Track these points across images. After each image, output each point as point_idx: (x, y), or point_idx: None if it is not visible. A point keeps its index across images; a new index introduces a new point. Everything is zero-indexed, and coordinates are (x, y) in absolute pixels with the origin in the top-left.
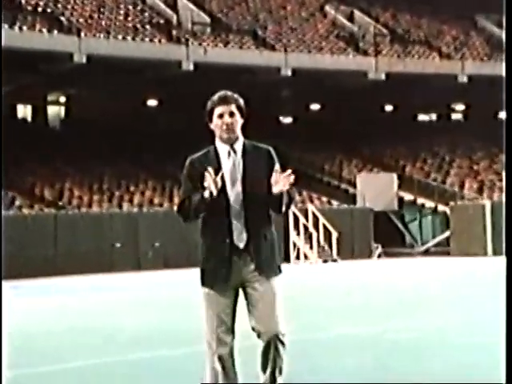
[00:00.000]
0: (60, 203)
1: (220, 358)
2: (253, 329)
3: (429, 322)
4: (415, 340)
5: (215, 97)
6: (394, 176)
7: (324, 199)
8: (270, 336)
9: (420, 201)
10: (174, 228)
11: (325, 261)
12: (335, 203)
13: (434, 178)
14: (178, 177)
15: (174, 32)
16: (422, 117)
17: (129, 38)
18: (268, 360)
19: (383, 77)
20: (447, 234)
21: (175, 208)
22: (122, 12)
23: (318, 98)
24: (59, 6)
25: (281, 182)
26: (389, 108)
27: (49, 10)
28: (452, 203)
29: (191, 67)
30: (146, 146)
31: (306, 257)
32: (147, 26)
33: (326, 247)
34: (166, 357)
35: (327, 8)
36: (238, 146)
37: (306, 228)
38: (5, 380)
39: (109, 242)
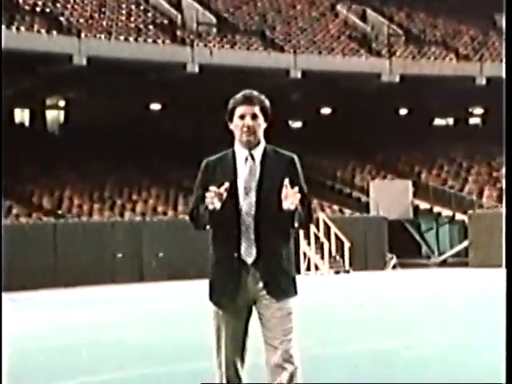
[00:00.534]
0: (59, 212)
1: (229, 380)
2: (265, 347)
3: (447, 337)
4: (433, 356)
5: (239, 95)
6: (409, 183)
7: (336, 207)
8: (281, 360)
9: (436, 209)
10: (179, 237)
11: (337, 272)
12: (347, 212)
13: (451, 186)
14: (183, 184)
15: (179, 33)
16: (438, 121)
17: (131, 38)
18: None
19: (397, 79)
20: (465, 244)
21: (187, 215)
22: (123, 12)
23: (329, 101)
24: (58, 5)
25: (289, 198)
26: (403, 112)
27: (47, 10)
28: (470, 212)
29: (196, 69)
30: (150, 152)
31: (316, 268)
32: (150, 27)
33: (338, 258)
34: (170, 373)
35: (339, 7)
36: (258, 152)
37: (316, 237)
38: None
39: (110, 252)
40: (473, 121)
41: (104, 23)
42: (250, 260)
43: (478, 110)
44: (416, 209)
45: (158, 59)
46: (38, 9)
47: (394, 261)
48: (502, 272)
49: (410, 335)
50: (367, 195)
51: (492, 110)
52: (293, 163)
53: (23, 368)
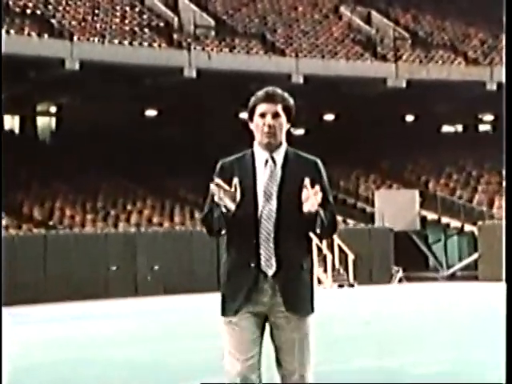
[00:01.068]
0: (50, 223)
1: None
2: (278, 369)
3: (456, 354)
4: (442, 374)
5: (261, 92)
6: (416, 193)
7: (339, 218)
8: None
9: (445, 220)
10: (175, 250)
11: (340, 286)
12: (351, 223)
13: (459, 195)
14: (180, 194)
15: (175, 36)
16: (446, 128)
17: (126, 42)
18: None
19: (404, 84)
20: (475, 256)
21: (199, 219)
22: (118, 14)
23: (333, 107)
24: (50, 7)
25: (310, 199)
26: (410, 118)
27: (38, 12)
28: (480, 223)
29: (194, 74)
30: (145, 161)
31: (319, 281)
32: (146, 30)
33: (342, 271)
34: None
35: (342, 9)
36: (279, 155)
37: (319, 249)
38: None
39: (104, 265)
40: (483, 128)
41: (97, 26)
42: (270, 271)
43: (488, 117)
44: (423, 220)
45: (154, 63)
46: (28, 11)
47: (400, 274)
48: None
49: (417, 352)
50: (372, 205)
51: (503, 116)
52: (317, 167)
53: None
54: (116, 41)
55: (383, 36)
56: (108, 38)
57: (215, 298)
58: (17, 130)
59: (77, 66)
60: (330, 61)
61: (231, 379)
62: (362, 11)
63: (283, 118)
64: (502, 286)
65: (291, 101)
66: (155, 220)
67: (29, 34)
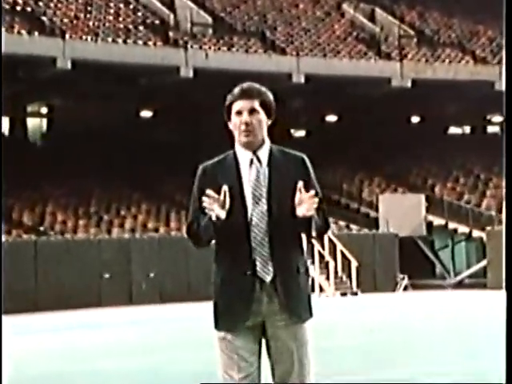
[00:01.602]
0: (41, 228)
1: None
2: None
3: (463, 365)
4: None
5: (236, 88)
6: (422, 197)
7: (342, 223)
8: None
9: (452, 225)
10: (171, 256)
11: (343, 294)
12: (355, 228)
13: (467, 200)
14: (176, 198)
15: (171, 34)
16: (453, 129)
17: (120, 40)
18: None
19: (409, 84)
20: (483, 263)
21: (184, 231)
22: (111, 11)
23: (335, 108)
24: (40, 4)
25: (304, 203)
26: (415, 120)
27: (29, 9)
28: (489, 228)
29: (190, 74)
30: (140, 163)
31: (321, 289)
32: (141, 27)
33: (345, 278)
34: None
35: (345, 6)
36: (264, 154)
37: (321, 256)
38: None
39: (97, 272)
40: (491, 129)
41: (90, 23)
42: (268, 278)
43: (497, 118)
44: (429, 225)
45: (149, 63)
46: (18, 8)
47: (406, 282)
48: None
49: (423, 363)
50: (376, 210)
51: None
52: (304, 164)
53: None
54: (110, 39)
55: (388, 34)
56: (101, 36)
57: (212, 306)
58: (6, 132)
59: (69, 65)
60: (332, 60)
61: None
62: (366, 8)
63: (261, 114)
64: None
65: (270, 95)
66: (150, 225)
67: (19, 32)
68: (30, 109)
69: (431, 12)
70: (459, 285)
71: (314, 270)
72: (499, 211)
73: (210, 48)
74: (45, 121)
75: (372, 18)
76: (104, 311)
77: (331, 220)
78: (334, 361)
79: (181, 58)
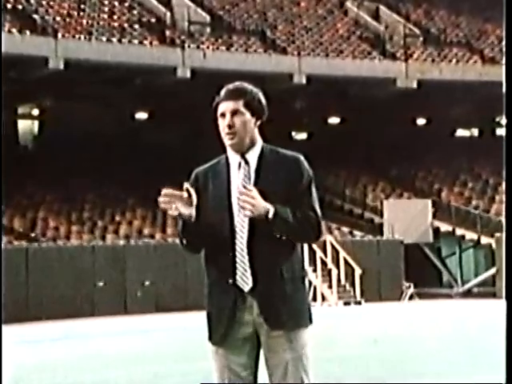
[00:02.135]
0: (32, 235)
1: None
2: None
3: (473, 378)
4: None
5: (222, 90)
6: (429, 202)
7: (345, 230)
8: None
9: (459, 232)
10: (168, 264)
11: (346, 303)
12: (358, 234)
13: (475, 205)
14: None
15: (168, 33)
16: (461, 132)
17: (114, 39)
18: None
19: (415, 85)
20: (492, 271)
21: (178, 238)
22: (106, 9)
23: (338, 110)
24: (32, 2)
25: (244, 203)
26: (421, 122)
27: (20, 7)
28: (498, 235)
29: (188, 74)
30: (135, 167)
31: (323, 298)
32: (136, 26)
33: (348, 287)
34: None
35: (348, 4)
36: (253, 156)
37: (323, 263)
38: None
39: (90, 280)
40: (500, 132)
41: (84, 22)
42: (246, 287)
43: None
44: (436, 231)
45: (145, 63)
46: (9, 5)
47: (412, 290)
48: None
49: (429, 375)
50: (381, 216)
51: None
52: (298, 164)
53: None
54: (104, 38)
55: (392, 33)
56: (95, 35)
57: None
58: None
59: (61, 66)
60: (334, 60)
61: None
62: (370, 6)
63: (247, 115)
64: None
65: (256, 94)
66: (146, 231)
67: (9, 31)
68: (20, 110)
69: (438, 10)
70: (467, 294)
71: (316, 278)
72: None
73: (208, 47)
74: (36, 123)
75: (376, 16)
76: (97, 321)
77: (334, 226)
78: (336, 372)
79: (178, 57)
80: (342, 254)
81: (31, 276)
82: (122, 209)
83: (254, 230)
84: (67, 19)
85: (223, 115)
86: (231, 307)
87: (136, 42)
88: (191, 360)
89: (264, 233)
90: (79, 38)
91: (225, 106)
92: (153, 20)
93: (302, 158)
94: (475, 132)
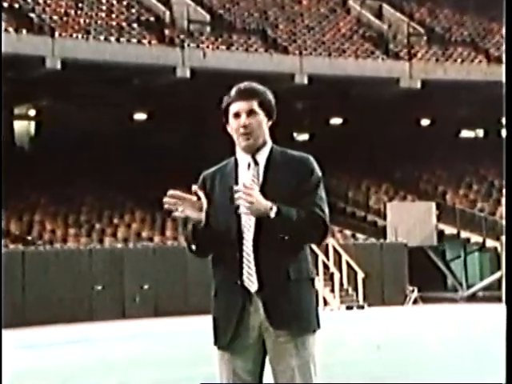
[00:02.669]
0: (29, 238)
1: None
2: None
3: None
4: None
5: (233, 89)
6: (433, 205)
7: (348, 233)
8: None
9: (464, 235)
10: (167, 267)
11: (349, 307)
12: (361, 237)
13: (481, 208)
14: None
15: (167, 32)
16: (465, 133)
17: (112, 39)
18: None
19: (418, 85)
20: (498, 275)
21: (185, 241)
22: (104, 8)
23: (340, 110)
24: (29, 0)
25: (241, 200)
26: (425, 122)
27: (16, 6)
28: (503, 238)
29: (187, 74)
30: (133, 169)
31: (325, 302)
32: (135, 25)
33: (351, 291)
34: None
35: (351, 3)
36: (262, 156)
37: (326, 267)
38: None
39: (88, 284)
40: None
41: (81, 21)
42: (253, 288)
43: None
44: (440, 234)
45: (144, 62)
46: (5, 4)
47: (415, 294)
48: None
49: (433, 380)
50: (384, 218)
51: None
52: (306, 165)
53: None
54: (102, 37)
55: (396, 32)
56: (93, 34)
57: (211, 321)
58: None
59: (58, 65)
60: (337, 59)
61: None
62: (373, 4)
63: (261, 115)
64: None
65: (269, 94)
66: (145, 234)
67: (6, 30)
68: (17, 111)
69: (442, 9)
70: (472, 298)
71: (318, 282)
72: None
73: (207, 47)
74: (33, 124)
75: (379, 15)
76: (95, 325)
77: (336, 229)
78: (339, 377)
79: (177, 57)
80: (345, 257)
81: (28, 280)
82: (121, 211)
83: (261, 231)
84: (64, 18)
85: (237, 115)
86: (239, 309)
87: (135, 41)
88: (191, 365)
89: (271, 233)
90: (77, 37)
91: (238, 106)
92: (152, 19)
93: (311, 158)
94: (480, 133)
